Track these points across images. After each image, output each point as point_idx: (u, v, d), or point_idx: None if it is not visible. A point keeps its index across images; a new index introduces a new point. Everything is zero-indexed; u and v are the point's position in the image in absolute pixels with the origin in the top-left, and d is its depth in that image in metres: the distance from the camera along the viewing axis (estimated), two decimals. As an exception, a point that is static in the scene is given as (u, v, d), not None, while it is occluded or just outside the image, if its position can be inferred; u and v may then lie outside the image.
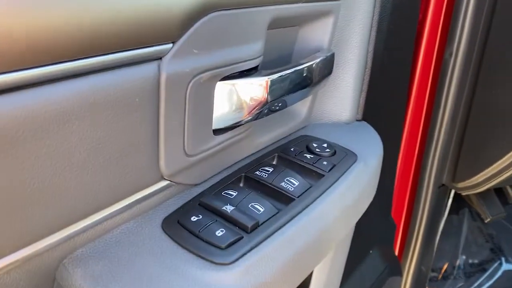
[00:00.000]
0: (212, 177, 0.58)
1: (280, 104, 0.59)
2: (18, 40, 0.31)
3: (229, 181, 0.57)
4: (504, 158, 1.15)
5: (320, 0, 0.64)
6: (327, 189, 0.59)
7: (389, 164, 0.99)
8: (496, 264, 1.75)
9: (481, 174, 1.22)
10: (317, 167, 0.62)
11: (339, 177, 0.61)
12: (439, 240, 1.47)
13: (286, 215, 0.52)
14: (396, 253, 1.37)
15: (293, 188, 0.57)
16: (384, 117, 0.89)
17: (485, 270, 1.74)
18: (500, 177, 1.18)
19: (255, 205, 0.52)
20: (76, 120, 0.38)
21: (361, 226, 0.76)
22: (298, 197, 0.56)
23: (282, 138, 0.71)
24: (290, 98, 0.60)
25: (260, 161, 0.63)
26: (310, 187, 0.58)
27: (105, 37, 0.37)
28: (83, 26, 0.35)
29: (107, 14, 0.37)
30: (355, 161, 0.65)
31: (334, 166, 0.63)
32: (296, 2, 0.59)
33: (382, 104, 0.86)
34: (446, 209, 1.43)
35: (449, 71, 1.14)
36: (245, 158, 0.63)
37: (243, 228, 0.49)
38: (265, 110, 0.56)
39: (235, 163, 0.62)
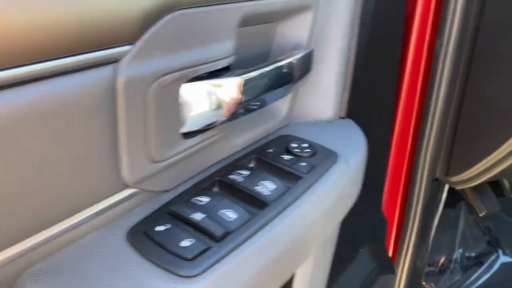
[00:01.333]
0: (184, 182, 0.56)
1: (258, 103, 0.56)
2: None
3: (202, 186, 0.55)
4: (497, 151, 1.12)
5: None
6: (304, 192, 0.56)
7: (379, 160, 0.97)
8: (493, 257, 1.74)
9: (475, 167, 1.20)
10: (295, 169, 0.59)
11: (318, 179, 0.59)
12: (436, 234, 1.45)
13: (259, 221, 0.50)
14: (391, 249, 1.35)
15: (269, 192, 0.54)
16: (371, 113, 0.86)
17: (482, 263, 1.72)
18: (493, 170, 1.15)
19: (227, 212, 0.50)
20: (22, 131, 0.35)
21: (349, 224, 0.74)
22: (273, 201, 0.53)
23: (262, 138, 0.68)
24: (267, 97, 0.58)
25: (236, 164, 0.60)
26: (287, 190, 0.56)
27: (54, 40, 0.34)
28: (27, 28, 0.32)
29: (56, 14, 0.34)
30: (335, 161, 0.63)
31: (313, 167, 0.61)
32: None
33: (369, 100, 0.83)
34: (441, 204, 1.40)
35: (440, 62, 1.11)
36: (222, 160, 0.61)
37: (212, 237, 0.47)
38: (241, 110, 0.53)
39: (210, 166, 0.59)
